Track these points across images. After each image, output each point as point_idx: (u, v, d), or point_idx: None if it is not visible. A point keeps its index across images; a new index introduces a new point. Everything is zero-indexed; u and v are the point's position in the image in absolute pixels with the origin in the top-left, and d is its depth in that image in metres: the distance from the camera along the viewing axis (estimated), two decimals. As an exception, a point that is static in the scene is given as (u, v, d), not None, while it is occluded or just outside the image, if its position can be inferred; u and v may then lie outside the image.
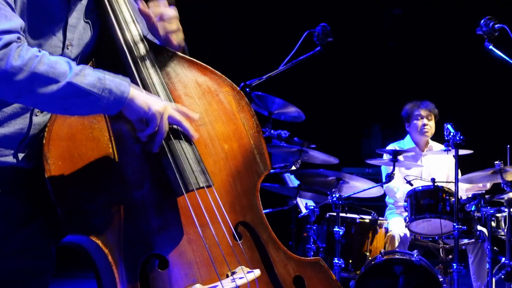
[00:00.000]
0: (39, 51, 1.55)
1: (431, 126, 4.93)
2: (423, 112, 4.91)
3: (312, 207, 4.40)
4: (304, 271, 1.92)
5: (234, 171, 1.89)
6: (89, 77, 1.56)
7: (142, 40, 1.81)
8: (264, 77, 3.82)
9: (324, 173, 4.36)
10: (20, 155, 1.67)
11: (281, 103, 4.26)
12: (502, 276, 3.94)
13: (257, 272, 1.79)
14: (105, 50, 1.80)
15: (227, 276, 1.76)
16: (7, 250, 1.66)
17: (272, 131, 4.29)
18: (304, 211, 4.57)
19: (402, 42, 8.40)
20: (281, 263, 1.88)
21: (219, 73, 1.97)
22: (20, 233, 1.67)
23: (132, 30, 1.80)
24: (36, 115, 1.69)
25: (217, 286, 1.71)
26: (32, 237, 1.69)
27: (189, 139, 1.76)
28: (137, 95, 1.64)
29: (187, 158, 1.75)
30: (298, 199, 4.73)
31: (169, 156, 1.72)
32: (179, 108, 1.75)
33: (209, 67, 1.95)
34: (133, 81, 1.71)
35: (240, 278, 1.74)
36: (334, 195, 4.23)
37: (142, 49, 1.79)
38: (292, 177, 4.94)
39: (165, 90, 1.79)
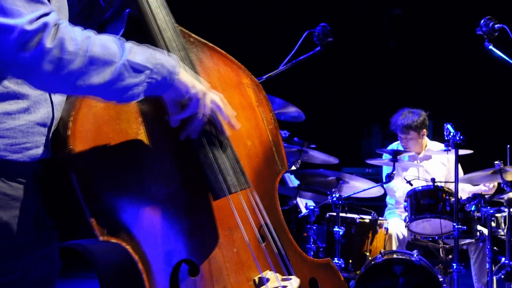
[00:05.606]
0: (83, 29, 1.32)
1: (411, 143, 4.90)
2: (401, 134, 4.91)
3: (312, 207, 4.39)
4: (317, 273, 1.86)
5: (257, 170, 1.76)
6: (141, 53, 1.38)
7: (170, 23, 1.62)
8: (264, 77, 3.81)
9: (324, 173, 4.36)
10: (49, 145, 1.46)
11: (281, 103, 4.26)
12: (502, 276, 3.94)
13: (296, 280, 1.69)
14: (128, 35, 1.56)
15: (255, 282, 1.66)
16: (36, 258, 1.47)
17: (272, 131, 4.28)
18: (304, 211, 4.57)
19: (402, 42, 8.39)
20: (298, 266, 1.79)
21: (238, 63, 1.82)
22: (44, 236, 1.49)
23: (161, 12, 1.62)
24: (54, 94, 1.47)
25: None
26: (49, 240, 1.51)
27: (225, 136, 1.60)
28: (183, 71, 1.46)
29: (227, 157, 1.59)
30: (298, 199, 4.72)
31: (209, 153, 1.56)
32: (221, 95, 1.57)
33: (228, 55, 1.79)
34: None
35: (283, 287, 1.64)
36: (334, 195, 4.23)
37: (170, 33, 1.61)
38: (292, 177, 4.94)
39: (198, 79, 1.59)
